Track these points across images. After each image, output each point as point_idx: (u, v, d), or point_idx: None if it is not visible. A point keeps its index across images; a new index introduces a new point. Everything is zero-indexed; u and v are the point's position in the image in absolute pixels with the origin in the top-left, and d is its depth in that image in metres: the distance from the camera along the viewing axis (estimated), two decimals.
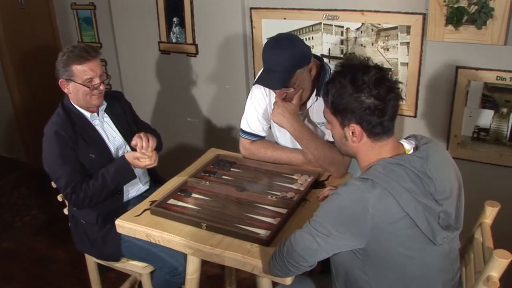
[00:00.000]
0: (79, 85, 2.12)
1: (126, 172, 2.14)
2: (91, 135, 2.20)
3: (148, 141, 2.13)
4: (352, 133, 1.44)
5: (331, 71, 2.06)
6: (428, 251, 1.38)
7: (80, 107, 2.21)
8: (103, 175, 2.11)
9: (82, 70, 2.10)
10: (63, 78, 2.14)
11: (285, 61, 1.89)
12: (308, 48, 2.01)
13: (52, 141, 2.11)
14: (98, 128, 2.25)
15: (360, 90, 1.38)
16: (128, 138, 2.28)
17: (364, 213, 1.31)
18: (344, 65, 1.48)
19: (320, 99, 2.06)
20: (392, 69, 2.50)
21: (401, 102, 1.45)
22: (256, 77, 2.10)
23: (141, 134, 2.14)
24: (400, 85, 1.45)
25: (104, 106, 2.27)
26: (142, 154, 2.10)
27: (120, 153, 2.29)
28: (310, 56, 1.99)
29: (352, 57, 1.53)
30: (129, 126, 2.38)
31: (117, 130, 2.32)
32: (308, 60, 1.97)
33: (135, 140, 2.13)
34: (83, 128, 2.19)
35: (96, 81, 2.13)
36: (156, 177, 2.47)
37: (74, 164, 2.11)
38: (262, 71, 1.99)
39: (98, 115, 2.26)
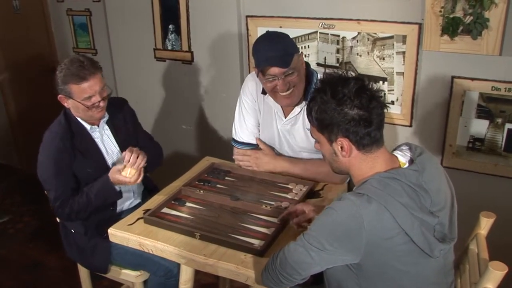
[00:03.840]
0: (78, 102, 2.06)
1: (108, 191, 2.08)
2: (89, 149, 2.16)
3: (137, 157, 2.05)
4: (341, 147, 1.43)
5: (317, 74, 2.08)
6: (423, 265, 1.37)
7: (81, 119, 2.16)
8: (87, 194, 2.07)
9: (80, 90, 2.02)
10: (62, 94, 2.07)
11: (283, 45, 1.95)
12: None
13: (49, 152, 2.08)
14: (98, 141, 2.21)
15: (342, 102, 1.38)
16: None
17: (359, 229, 1.30)
18: (323, 81, 1.48)
19: None
20: (388, 78, 2.51)
21: (385, 110, 1.44)
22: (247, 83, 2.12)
23: (133, 149, 2.07)
24: (381, 93, 1.45)
25: (105, 118, 2.22)
26: (123, 167, 2.03)
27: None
28: (296, 45, 2.11)
29: (331, 73, 1.54)
30: (130, 139, 2.30)
31: (116, 144, 2.27)
32: (297, 49, 2.05)
33: (125, 153, 2.08)
34: (82, 140, 2.15)
35: (96, 99, 2.05)
36: (149, 186, 2.45)
37: (66, 179, 2.08)
38: (261, 62, 1.96)
39: (98, 126, 2.21)
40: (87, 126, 2.17)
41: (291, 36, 2.64)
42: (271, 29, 2.73)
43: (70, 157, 2.08)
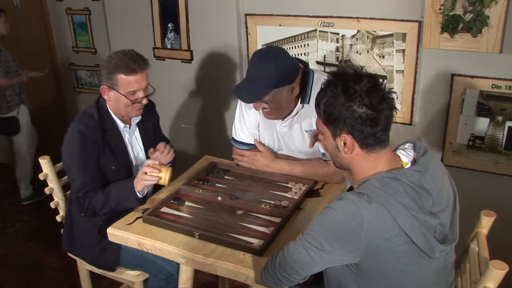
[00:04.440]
0: (121, 95, 2.01)
1: (127, 197, 1.98)
2: (118, 147, 2.12)
3: (167, 153, 2.10)
4: (344, 143, 1.41)
5: (314, 75, 2.04)
6: (423, 265, 1.36)
7: (116, 115, 2.12)
8: (109, 192, 2.01)
9: (128, 82, 1.99)
10: (106, 85, 2.03)
11: (264, 76, 1.87)
12: (294, 68, 1.96)
13: (75, 141, 2.02)
14: (126, 140, 2.17)
15: (351, 99, 1.35)
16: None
17: (359, 229, 1.29)
18: (336, 74, 1.45)
19: (306, 106, 2.04)
20: (388, 77, 2.50)
21: (395, 113, 1.43)
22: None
23: (162, 145, 2.10)
24: (394, 95, 1.43)
25: (138, 120, 2.19)
26: (152, 168, 1.93)
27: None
28: (294, 76, 1.95)
29: (345, 66, 1.50)
30: (155, 144, 2.26)
31: (143, 147, 2.24)
32: (290, 81, 1.93)
33: (153, 151, 2.09)
34: (113, 137, 2.11)
35: (140, 94, 2.03)
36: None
37: (92, 169, 2.03)
38: (244, 78, 1.98)
39: (129, 127, 2.18)
40: (121, 125, 2.14)
41: (290, 35, 2.68)
42: (270, 28, 2.74)
43: (99, 150, 2.04)
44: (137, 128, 2.23)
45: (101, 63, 2.05)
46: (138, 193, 1.97)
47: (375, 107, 1.35)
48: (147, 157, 2.24)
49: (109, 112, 2.11)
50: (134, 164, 2.20)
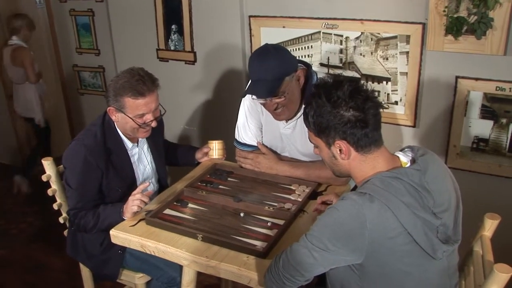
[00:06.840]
0: (128, 118, 1.95)
1: (116, 221, 1.91)
2: (123, 167, 2.07)
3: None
4: (340, 150, 1.43)
5: (317, 76, 2.06)
6: (426, 266, 1.36)
7: (124, 134, 2.07)
8: (98, 215, 1.98)
9: (135, 105, 1.92)
10: (113, 106, 1.95)
11: (272, 69, 1.88)
12: (294, 57, 2.02)
13: (77, 164, 1.97)
14: (134, 159, 2.13)
15: (337, 105, 1.39)
16: (159, 166, 2.24)
17: (361, 228, 1.30)
18: (318, 86, 1.48)
19: None
20: (391, 79, 2.49)
21: (382, 110, 1.45)
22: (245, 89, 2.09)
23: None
24: (376, 93, 1.46)
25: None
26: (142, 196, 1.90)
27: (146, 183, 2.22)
28: (296, 64, 1.99)
29: (324, 77, 1.56)
30: (163, 151, 2.26)
31: (152, 158, 2.22)
32: (295, 68, 1.96)
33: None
34: (118, 157, 2.05)
35: (149, 117, 1.97)
36: (164, 183, 2.37)
37: (88, 195, 2.00)
38: (250, 82, 1.98)
39: (138, 145, 2.14)
40: (128, 144, 2.09)
41: (294, 36, 2.68)
42: (274, 29, 2.73)
43: (101, 175, 1.99)
44: (146, 141, 2.20)
45: (109, 83, 1.98)
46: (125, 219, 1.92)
47: (361, 108, 1.38)
48: (156, 169, 2.24)
49: (116, 131, 2.06)
50: (140, 179, 2.17)
